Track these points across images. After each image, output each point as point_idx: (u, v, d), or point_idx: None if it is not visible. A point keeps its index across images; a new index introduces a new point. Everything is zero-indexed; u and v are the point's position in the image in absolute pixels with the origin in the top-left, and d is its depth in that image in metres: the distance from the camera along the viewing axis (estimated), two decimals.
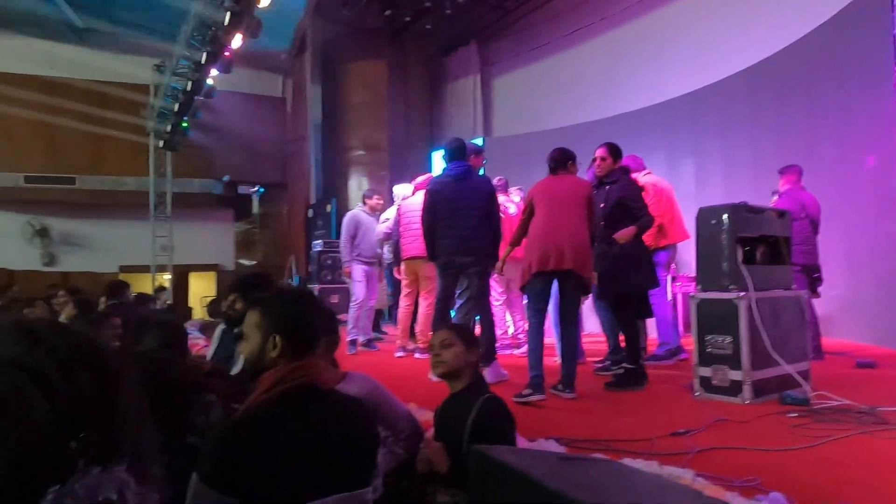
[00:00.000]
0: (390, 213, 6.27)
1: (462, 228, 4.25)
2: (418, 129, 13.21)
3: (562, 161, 4.04)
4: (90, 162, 11.82)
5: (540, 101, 11.14)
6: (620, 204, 4.04)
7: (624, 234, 3.94)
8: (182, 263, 12.35)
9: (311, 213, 11.69)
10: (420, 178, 5.99)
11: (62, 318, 4.54)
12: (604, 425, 2.99)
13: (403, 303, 5.95)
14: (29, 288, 10.22)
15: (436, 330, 4.26)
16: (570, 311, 3.86)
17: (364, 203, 6.28)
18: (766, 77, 7.21)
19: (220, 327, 3.30)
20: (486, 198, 4.30)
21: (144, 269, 11.96)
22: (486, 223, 4.26)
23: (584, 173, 4.63)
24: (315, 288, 10.60)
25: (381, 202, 6.32)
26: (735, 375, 3.39)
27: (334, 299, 9.38)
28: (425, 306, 5.75)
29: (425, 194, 4.48)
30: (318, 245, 9.75)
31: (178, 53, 8.73)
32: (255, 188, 12.93)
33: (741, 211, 3.59)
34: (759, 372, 3.37)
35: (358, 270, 6.09)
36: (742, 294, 3.40)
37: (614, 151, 4.22)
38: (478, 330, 4.76)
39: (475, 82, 12.60)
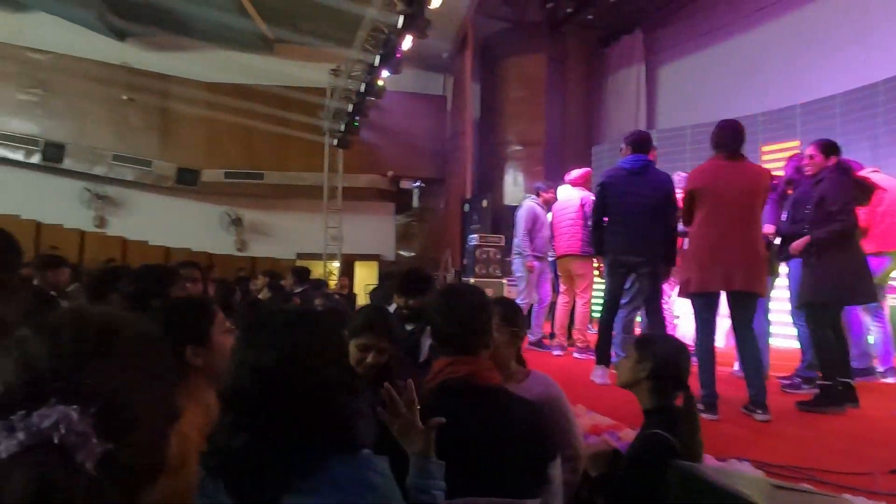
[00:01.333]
0: None
1: (634, 226, 4.04)
2: (576, 123, 12.93)
3: (738, 140, 3.38)
4: (276, 159, 13.21)
5: (713, 90, 10.31)
6: (820, 205, 3.57)
7: (796, 246, 3.57)
8: (349, 253, 13.33)
9: (466, 207, 11.97)
10: (575, 173, 5.85)
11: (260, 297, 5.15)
12: (802, 451, 2.68)
13: (561, 300, 5.88)
14: (224, 270, 11.71)
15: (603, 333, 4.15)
16: (745, 323, 3.40)
17: (538, 195, 6.23)
18: None
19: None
20: (664, 195, 4.04)
21: (317, 256, 13.10)
22: (660, 221, 4.01)
23: (783, 169, 4.17)
24: (469, 282, 10.89)
25: (554, 196, 6.23)
26: None
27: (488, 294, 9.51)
28: (580, 305, 5.63)
29: (598, 187, 4.30)
30: (473, 239, 9.94)
31: (354, 57, 9.38)
32: (416, 183, 13.53)
33: None
34: None
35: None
36: None
37: (824, 148, 3.71)
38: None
39: (639, 72, 12.02)
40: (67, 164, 12.56)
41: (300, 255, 13.59)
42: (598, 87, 13.01)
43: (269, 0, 11.15)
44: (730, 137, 3.43)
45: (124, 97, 12.77)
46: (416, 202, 13.80)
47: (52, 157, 12.48)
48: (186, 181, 12.90)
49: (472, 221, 11.47)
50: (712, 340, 3.50)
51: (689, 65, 11.23)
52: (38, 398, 0.53)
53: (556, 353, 5.77)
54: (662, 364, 1.95)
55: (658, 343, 2.10)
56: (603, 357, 4.22)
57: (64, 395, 0.53)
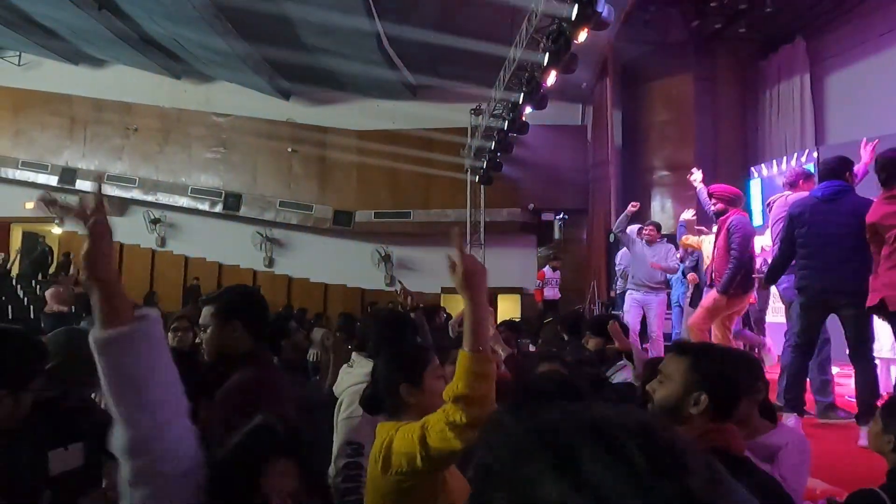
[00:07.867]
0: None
1: (832, 259, 3.61)
2: (729, 143, 12.10)
3: None
4: (421, 198, 13.86)
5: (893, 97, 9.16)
6: None
7: None
8: (491, 286, 13.46)
9: (612, 237, 11.61)
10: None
11: None
12: None
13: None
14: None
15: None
16: None
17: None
18: None
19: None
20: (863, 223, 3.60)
21: None
22: (864, 252, 3.57)
23: None
24: (621, 315, 10.47)
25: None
26: None
27: None
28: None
29: (785, 219, 3.90)
30: (621, 270, 9.59)
31: (496, 97, 9.63)
32: (559, 215, 13.43)
33: None
34: None
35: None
36: None
37: None
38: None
39: (801, 84, 11.02)
40: (243, 211, 14.20)
41: (444, 290, 13.98)
42: (753, 103, 12.12)
43: (412, 49, 11.85)
44: None
45: (289, 149, 14.22)
46: (557, 234, 13.66)
47: (232, 206, 14.18)
48: (342, 222, 13.94)
49: (618, 251, 11.09)
50: None
51: (863, 71, 10.10)
52: None
53: None
54: None
55: None
56: (797, 405, 3.81)
57: None
